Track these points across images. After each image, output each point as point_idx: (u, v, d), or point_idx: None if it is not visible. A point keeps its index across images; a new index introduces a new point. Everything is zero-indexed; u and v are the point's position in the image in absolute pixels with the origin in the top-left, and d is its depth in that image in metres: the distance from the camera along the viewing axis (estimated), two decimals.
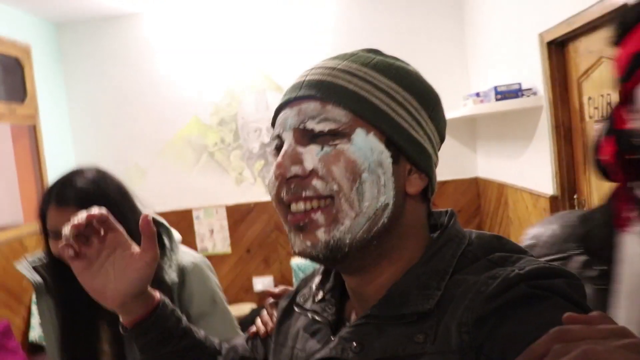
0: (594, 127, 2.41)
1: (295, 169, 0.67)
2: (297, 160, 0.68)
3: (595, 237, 0.81)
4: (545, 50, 2.72)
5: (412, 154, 0.71)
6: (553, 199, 2.84)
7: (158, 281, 1.32)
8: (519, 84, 2.98)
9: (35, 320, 3.97)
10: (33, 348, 3.92)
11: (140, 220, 0.84)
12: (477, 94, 3.36)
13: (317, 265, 0.83)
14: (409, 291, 0.67)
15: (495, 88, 3.02)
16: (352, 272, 0.73)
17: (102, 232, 0.84)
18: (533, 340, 0.51)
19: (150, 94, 4.65)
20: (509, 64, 3.34)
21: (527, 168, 3.24)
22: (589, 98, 2.42)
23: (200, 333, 0.98)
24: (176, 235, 1.53)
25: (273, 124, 0.77)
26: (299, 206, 0.68)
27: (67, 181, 1.37)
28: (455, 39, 4.36)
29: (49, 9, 4.26)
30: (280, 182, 0.69)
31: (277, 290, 1.03)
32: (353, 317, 0.76)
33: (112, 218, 0.86)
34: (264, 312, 1.01)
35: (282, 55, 4.49)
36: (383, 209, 0.68)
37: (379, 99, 0.69)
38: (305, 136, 0.69)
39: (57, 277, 1.40)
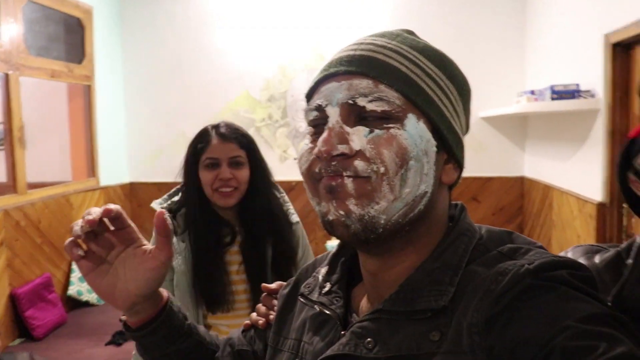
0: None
1: (342, 148, 0.65)
2: (344, 139, 0.65)
3: (631, 299, 0.67)
4: (610, 51, 2.62)
5: (451, 144, 0.70)
6: (600, 206, 2.76)
7: (287, 222, 1.72)
8: (577, 84, 2.89)
9: (75, 275, 4.11)
10: (72, 302, 4.07)
11: (155, 218, 0.78)
12: (532, 92, 3.28)
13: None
14: (421, 286, 0.65)
15: (552, 87, 2.94)
16: (377, 254, 0.70)
17: (112, 229, 0.77)
18: (540, 338, 0.52)
19: (204, 64, 4.71)
20: (569, 64, 3.24)
21: (576, 172, 3.15)
22: None
23: (202, 329, 0.95)
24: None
25: (309, 95, 0.74)
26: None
27: (229, 125, 1.69)
28: (515, 34, 4.25)
29: None
30: (321, 158, 0.67)
31: (273, 285, 0.99)
32: (363, 308, 0.75)
33: (125, 214, 0.78)
34: (260, 305, 0.98)
35: (337, 35, 4.47)
36: (421, 197, 0.67)
37: (428, 86, 0.68)
38: (353, 114, 0.67)
39: (198, 208, 1.62)
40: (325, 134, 0.66)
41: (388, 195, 0.64)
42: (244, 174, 1.63)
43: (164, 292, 0.87)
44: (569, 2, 3.22)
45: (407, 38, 0.71)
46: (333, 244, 4.24)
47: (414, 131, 0.65)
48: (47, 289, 3.71)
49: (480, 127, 4.35)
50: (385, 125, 0.65)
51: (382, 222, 0.65)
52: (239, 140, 1.65)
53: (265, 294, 0.99)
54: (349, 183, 0.64)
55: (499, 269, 0.61)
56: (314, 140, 0.70)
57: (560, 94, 2.92)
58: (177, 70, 4.75)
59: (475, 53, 4.25)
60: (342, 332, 0.70)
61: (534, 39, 4.00)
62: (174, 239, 1.58)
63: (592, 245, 0.81)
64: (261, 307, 0.96)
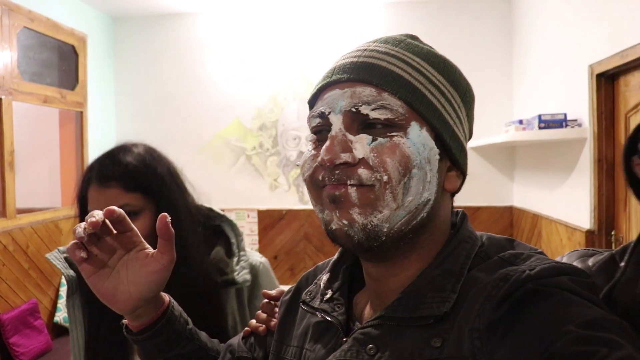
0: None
1: (345, 156, 0.65)
2: (347, 147, 0.65)
3: (623, 299, 0.66)
4: (595, 82, 2.68)
5: (454, 152, 0.70)
6: (589, 233, 2.79)
7: (228, 282, 1.24)
8: (564, 114, 2.94)
9: (62, 302, 4.05)
10: (57, 329, 4.00)
11: (158, 222, 0.75)
12: (520, 121, 3.33)
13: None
14: (423, 293, 0.65)
15: (540, 116, 2.99)
16: (380, 261, 0.70)
17: (114, 232, 0.76)
18: (540, 344, 0.52)
19: (195, 92, 4.75)
20: (556, 94, 3.30)
21: (565, 200, 3.18)
22: None
23: (203, 335, 0.95)
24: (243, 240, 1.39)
25: (312, 102, 0.74)
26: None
27: (111, 157, 1.19)
28: (502, 65, 4.34)
29: (108, 2, 4.40)
30: (324, 166, 0.66)
31: (273, 292, 0.98)
32: (365, 314, 0.75)
33: (127, 218, 0.76)
34: (260, 312, 0.97)
35: (329, 65, 4.53)
36: (424, 205, 0.67)
37: (431, 93, 0.68)
38: (356, 121, 0.67)
39: None
40: (328, 143, 0.66)
41: (391, 204, 0.64)
42: (141, 224, 1.13)
43: (165, 295, 0.87)
44: (554, 34, 3.31)
45: (411, 44, 0.71)
46: None
47: (417, 139, 0.65)
48: (32, 315, 3.65)
49: (470, 157, 4.31)
50: (388, 134, 0.65)
51: (385, 230, 0.65)
52: (124, 179, 1.15)
53: (265, 300, 0.98)
54: (352, 192, 0.64)
55: (500, 274, 0.61)
56: (316, 147, 0.70)
57: (547, 123, 2.97)
58: (168, 97, 4.79)
59: None
60: (344, 339, 0.70)
61: (522, 70, 4.08)
62: (70, 303, 1.24)
63: (588, 249, 0.81)
64: (261, 314, 0.95)
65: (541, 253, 0.67)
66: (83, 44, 4.33)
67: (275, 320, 0.92)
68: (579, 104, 2.88)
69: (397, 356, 0.62)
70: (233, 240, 1.32)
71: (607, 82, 2.65)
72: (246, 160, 4.72)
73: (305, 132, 4.52)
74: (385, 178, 0.64)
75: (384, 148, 0.64)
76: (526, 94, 3.97)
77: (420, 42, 0.74)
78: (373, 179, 0.64)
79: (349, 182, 0.65)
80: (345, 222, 0.65)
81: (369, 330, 0.67)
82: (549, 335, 0.52)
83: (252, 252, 1.38)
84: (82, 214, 1.20)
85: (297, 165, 0.71)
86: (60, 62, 4.17)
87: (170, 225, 0.77)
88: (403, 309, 0.65)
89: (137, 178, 1.15)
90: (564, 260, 0.82)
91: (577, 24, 2.91)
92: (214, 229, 1.32)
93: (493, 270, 0.63)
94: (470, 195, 4.37)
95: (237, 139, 4.73)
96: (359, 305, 0.77)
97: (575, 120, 2.91)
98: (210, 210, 1.34)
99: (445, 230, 0.72)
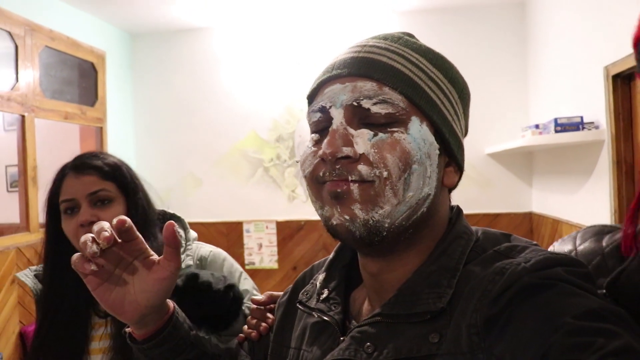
0: None
1: (346, 150, 0.65)
2: (349, 141, 0.65)
3: (628, 286, 0.64)
4: (611, 83, 2.66)
5: (453, 147, 0.71)
6: None
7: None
8: (581, 117, 2.92)
9: None
10: None
11: (165, 230, 0.75)
12: (537, 126, 3.31)
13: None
14: (420, 289, 0.66)
15: (556, 120, 2.98)
16: (380, 255, 0.71)
17: (119, 241, 0.74)
18: (538, 337, 0.52)
19: (212, 105, 4.80)
20: (571, 97, 3.28)
21: (584, 204, 3.15)
22: None
23: (205, 339, 0.94)
24: (192, 234, 1.47)
25: (312, 97, 0.75)
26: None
27: (89, 154, 1.28)
28: (517, 70, 4.32)
29: (126, 19, 4.48)
30: (325, 161, 0.67)
31: (262, 297, 0.98)
32: (364, 310, 0.75)
33: (133, 226, 0.75)
34: (250, 317, 0.97)
35: (329, 62, 4.55)
36: (424, 199, 0.67)
37: (430, 89, 0.68)
38: (357, 116, 0.67)
39: (56, 268, 1.27)
40: (329, 136, 0.66)
41: (392, 200, 0.65)
42: (114, 212, 1.20)
43: (170, 302, 0.86)
44: (568, 37, 3.29)
45: (409, 41, 0.72)
46: None
47: (418, 134, 0.66)
48: None
49: (487, 163, 4.37)
50: (389, 129, 0.66)
51: (387, 225, 0.65)
52: (101, 169, 1.23)
53: (254, 306, 0.98)
54: (354, 189, 0.65)
55: (496, 268, 0.61)
56: (317, 144, 0.70)
57: (564, 127, 2.95)
58: (185, 111, 4.84)
59: (478, 90, 4.30)
60: (342, 338, 0.70)
61: (536, 73, 4.06)
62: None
63: (605, 225, 0.80)
64: (251, 320, 0.96)
65: (536, 245, 0.67)
66: (102, 61, 4.41)
67: (265, 324, 0.92)
68: (596, 106, 2.86)
69: (395, 353, 0.63)
70: (181, 233, 1.39)
71: (624, 82, 2.63)
72: (264, 172, 4.74)
73: None
74: (385, 174, 0.64)
75: (385, 144, 0.65)
76: (542, 98, 3.95)
77: (417, 40, 0.75)
78: (373, 175, 0.64)
79: (350, 178, 0.65)
80: (347, 217, 0.66)
81: (366, 329, 0.67)
82: (546, 329, 0.52)
83: (203, 244, 1.47)
84: (52, 212, 1.25)
85: (297, 162, 0.70)
86: (80, 79, 4.25)
87: (177, 233, 0.77)
88: (399, 306, 0.66)
89: (113, 169, 1.25)
90: (579, 236, 0.81)
91: (591, 25, 2.90)
92: None
93: (489, 264, 0.64)
94: (489, 202, 4.35)
95: (254, 150, 4.76)
96: (357, 302, 0.77)
97: (592, 122, 2.89)
98: (164, 212, 1.42)
99: (443, 226, 0.73)
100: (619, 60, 2.53)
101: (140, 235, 0.76)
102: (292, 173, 4.70)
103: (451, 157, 0.72)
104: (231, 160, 4.80)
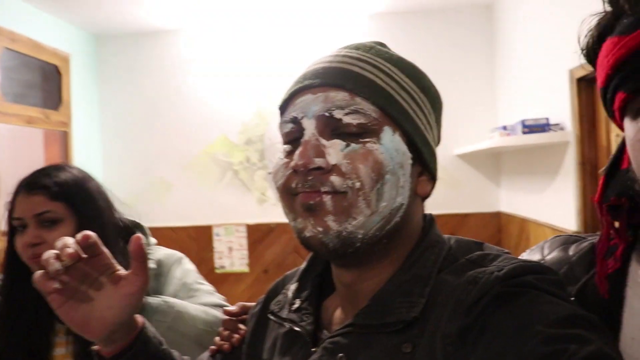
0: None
1: (319, 162, 0.64)
2: (321, 152, 0.65)
3: (594, 294, 0.68)
4: (575, 86, 2.72)
5: (426, 157, 0.71)
6: None
7: None
8: (547, 118, 2.98)
9: None
10: None
11: (131, 243, 0.73)
12: (504, 127, 3.36)
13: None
14: (392, 299, 0.65)
15: (523, 122, 3.03)
16: (353, 265, 0.70)
17: (84, 256, 0.71)
18: (512, 347, 0.52)
19: (180, 109, 4.74)
20: (538, 99, 3.34)
21: (551, 204, 3.21)
22: (617, 135, 2.41)
23: (175, 353, 0.91)
24: (152, 240, 1.47)
25: (283, 107, 0.73)
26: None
27: (43, 170, 1.27)
28: (485, 72, 4.38)
29: (91, 21, 4.39)
30: (297, 172, 0.66)
31: (234, 308, 0.97)
32: (336, 319, 0.74)
33: (99, 241, 0.73)
34: (222, 329, 0.96)
35: (300, 73, 4.55)
36: (398, 209, 0.67)
37: (403, 99, 0.68)
38: (329, 126, 0.66)
39: (15, 280, 1.25)
40: (301, 148, 0.65)
41: (365, 210, 0.64)
42: (61, 234, 1.14)
43: (139, 317, 0.83)
44: (534, 40, 3.35)
45: (381, 51, 0.72)
46: None
47: (390, 144, 0.66)
48: None
49: (455, 164, 4.42)
50: (361, 140, 0.65)
51: (360, 236, 0.65)
52: (49, 189, 1.21)
53: (226, 317, 0.97)
54: (327, 201, 0.64)
55: (469, 277, 0.62)
56: (288, 155, 0.69)
57: (531, 128, 3.00)
58: (154, 115, 4.77)
59: (447, 92, 4.28)
60: (313, 349, 0.70)
61: (504, 75, 4.12)
62: None
63: (570, 235, 0.82)
64: (223, 332, 0.95)
65: (508, 253, 0.68)
66: (66, 63, 4.32)
67: (237, 336, 0.91)
68: (561, 108, 2.92)
69: None
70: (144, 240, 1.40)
71: (588, 86, 2.69)
72: (233, 175, 4.71)
73: None
74: (358, 185, 0.64)
75: (357, 155, 0.64)
76: (509, 100, 4.02)
77: (389, 49, 0.75)
78: (345, 186, 0.64)
79: (322, 189, 0.64)
80: (320, 229, 0.65)
81: (338, 339, 0.66)
82: (520, 338, 0.52)
83: (160, 248, 1.46)
84: (10, 224, 1.25)
85: (269, 174, 0.70)
86: (43, 83, 4.15)
87: (144, 246, 0.74)
88: (372, 316, 0.65)
89: (62, 189, 1.22)
90: (547, 246, 0.83)
91: (556, 29, 2.96)
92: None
93: (461, 273, 0.64)
94: (457, 203, 4.39)
95: (223, 154, 4.72)
96: (329, 311, 0.77)
97: (558, 124, 2.94)
98: (133, 222, 1.42)
99: (416, 234, 0.73)
100: (584, 64, 2.58)
101: (106, 250, 0.74)
102: (261, 176, 4.67)
103: (424, 166, 0.72)
104: (201, 164, 4.75)
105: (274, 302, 0.83)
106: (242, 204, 4.69)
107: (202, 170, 4.75)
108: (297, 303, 0.78)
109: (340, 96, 0.66)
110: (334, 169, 0.65)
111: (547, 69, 3.13)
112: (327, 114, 0.66)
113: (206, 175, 4.75)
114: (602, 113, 2.59)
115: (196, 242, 4.69)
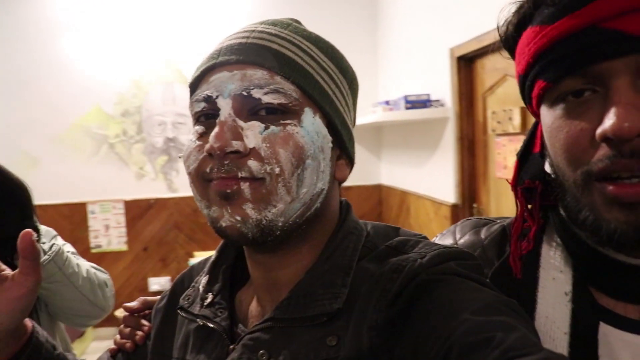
0: (495, 140, 2.56)
1: (236, 144, 0.60)
2: (238, 134, 0.60)
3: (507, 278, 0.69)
4: (455, 64, 2.85)
5: (344, 139, 0.68)
6: (454, 207, 2.98)
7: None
8: (428, 94, 3.10)
9: None
10: None
11: (20, 240, 0.66)
12: (387, 102, 3.46)
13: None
14: (313, 290, 0.63)
15: (406, 97, 3.13)
16: (271, 251, 0.67)
17: None
18: (438, 336, 0.52)
19: (48, 77, 4.37)
20: (420, 76, 3.47)
21: (431, 177, 3.37)
22: (493, 112, 2.57)
23: (71, 357, 0.83)
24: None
25: (194, 85, 0.68)
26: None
27: None
28: (367, 48, 4.47)
29: None
30: (212, 156, 0.61)
31: (134, 304, 0.90)
32: (252, 312, 0.71)
33: None
34: (123, 326, 0.89)
35: (193, 49, 4.38)
36: (318, 195, 0.65)
37: (322, 79, 0.65)
38: (247, 107, 0.62)
39: None
40: (217, 129, 0.60)
41: (285, 197, 0.61)
42: None
43: (28, 322, 0.75)
44: (417, 18, 3.46)
45: (298, 28, 0.69)
46: (196, 260, 4.11)
47: (311, 127, 0.63)
48: None
49: None
50: (282, 122, 0.61)
51: (280, 224, 0.62)
52: None
53: (127, 314, 0.89)
54: (245, 188, 0.60)
55: (393, 265, 0.61)
56: (201, 137, 0.64)
57: (413, 104, 3.11)
58: (21, 83, 4.36)
59: None
60: (231, 347, 0.66)
61: (386, 51, 4.23)
62: None
63: (480, 218, 0.84)
64: (124, 329, 0.87)
65: (425, 238, 0.68)
66: None
67: (141, 333, 0.84)
68: (442, 85, 3.05)
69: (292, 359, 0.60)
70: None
71: (467, 64, 2.82)
72: (109, 149, 4.45)
73: (171, 117, 4.34)
74: (277, 170, 0.60)
75: (277, 138, 0.61)
76: (391, 75, 4.13)
77: (305, 27, 0.72)
78: (264, 171, 0.60)
79: (239, 175, 0.60)
80: (239, 218, 0.61)
81: (258, 335, 0.63)
82: (446, 327, 0.52)
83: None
84: None
85: (180, 158, 0.63)
86: None
87: (35, 242, 0.66)
88: (293, 309, 0.63)
89: None
90: (458, 230, 0.84)
91: (439, 8, 3.07)
92: None
93: (383, 261, 0.63)
94: None
95: (98, 126, 4.44)
96: (243, 305, 0.73)
97: (438, 100, 3.07)
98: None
99: (335, 220, 0.71)
100: (463, 43, 2.71)
101: None
102: (139, 149, 4.46)
103: (343, 149, 0.70)
104: (72, 137, 4.43)
105: (183, 297, 0.76)
106: (119, 179, 4.45)
107: (74, 143, 4.43)
108: (210, 297, 0.72)
109: (258, 74, 0.62)
110: (252, 152, 0.60)
111: (428, 46, 3.25)
112: (244, 93, 0.61)
113: (79, 149, 4.44)
114: (480, 91, 2.74)
115: (69, 220, 4.40)
